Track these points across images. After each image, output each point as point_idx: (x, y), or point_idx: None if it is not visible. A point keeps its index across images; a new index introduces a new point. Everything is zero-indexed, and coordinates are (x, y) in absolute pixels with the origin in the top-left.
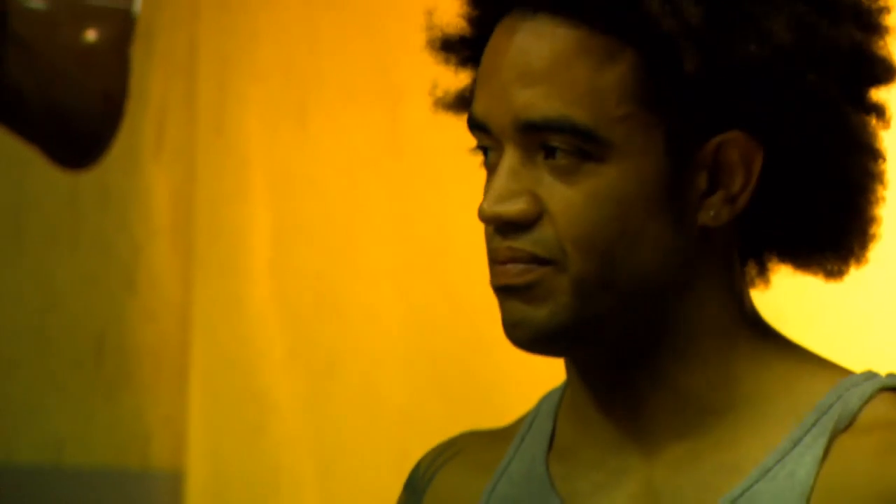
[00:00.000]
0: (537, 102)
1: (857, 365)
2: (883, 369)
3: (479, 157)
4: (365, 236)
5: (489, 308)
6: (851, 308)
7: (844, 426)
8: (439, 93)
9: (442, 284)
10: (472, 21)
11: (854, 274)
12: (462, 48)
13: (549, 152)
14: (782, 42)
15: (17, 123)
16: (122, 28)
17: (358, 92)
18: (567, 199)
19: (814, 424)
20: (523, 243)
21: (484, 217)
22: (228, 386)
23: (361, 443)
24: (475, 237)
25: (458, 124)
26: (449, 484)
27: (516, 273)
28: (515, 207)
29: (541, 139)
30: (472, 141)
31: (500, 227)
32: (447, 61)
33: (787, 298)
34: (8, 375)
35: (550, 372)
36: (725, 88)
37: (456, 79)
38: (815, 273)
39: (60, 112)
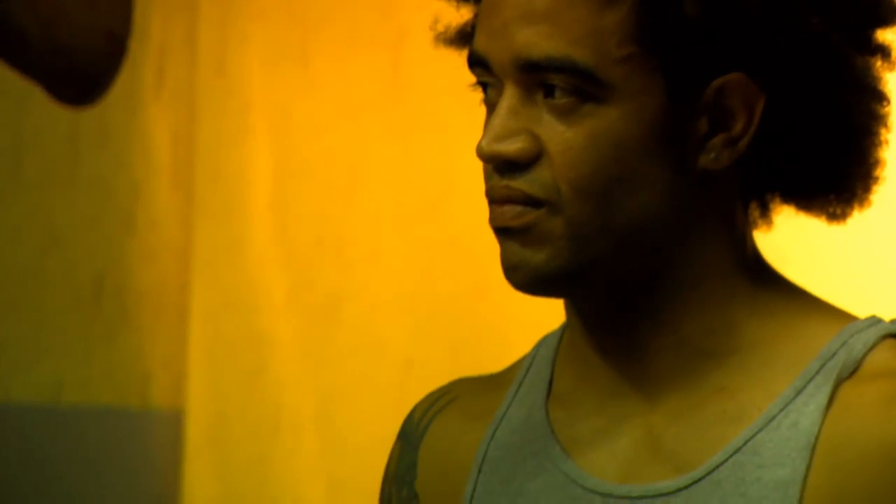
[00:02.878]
0: (538, 41)
1: (859, 308)
2: (886, 313)
3: (480, 95)
4: (367, 177)
5: (491, 249)
6: (854, 249)
7: (848, 374)
8: (441, 28)
9: (444, 225)
10: None
11: (857, 216)
12: None
13: (549, 91)
14: None
15: (20, 61)
16: None
17: (360, 32)
18: (566, 139)
19: (817, 372)
20: (520, 183)
21: (482, 155)
22: (228, 326)
23: (361, 384)
24: (477, 178)
25: (459, 65)
26: (444, 434)
27: (513, 215)
28: (514, 146)
29: (541, 78)
30: (472, 78)
31: (498, 166)
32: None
33: (790, 239)
34: (6, 316)
35: (553, 314)
36: (726, 31)
37: (457, 14)
38: (817, 215)
39: (62, 50)
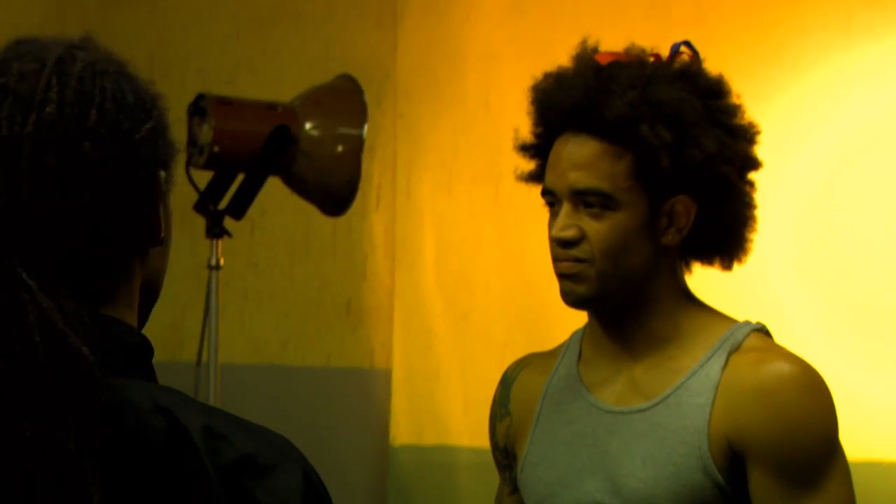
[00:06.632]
0: (581, 179)
1: (736, 314)
2: (750, 318)
3: (547, 208)
4: (484, 252)
5: (552, 287)
6: (733, 284)
7: (735, 349)
8: (518, 173)
9: (527, 276)
10: (538, 136)
11: (735, 269)
12: (533, 150)
13: (587, 205)
14: (710, 150)
15: (304, 193)
16: (357, 144)
17: (478, 175)
18: (596, 229)
19: (718, 348)
20: (572, 252)
21: (553, 238)
22: (412, 326)
23: (483, 354)
24: (545, 253)
25: (534, 193)
26: (524, 380)
27: (567, 268)
28: (569, 233)
29: (583, 198)
30: (535, 195)
31: (560, 243)
32: (524, 156)
33: (702, 279)
34: (302, 323)
35: (579, 318)
36: (679, 175)
37: (528, 165)
38: (716, 266)
39: (326, 187)
